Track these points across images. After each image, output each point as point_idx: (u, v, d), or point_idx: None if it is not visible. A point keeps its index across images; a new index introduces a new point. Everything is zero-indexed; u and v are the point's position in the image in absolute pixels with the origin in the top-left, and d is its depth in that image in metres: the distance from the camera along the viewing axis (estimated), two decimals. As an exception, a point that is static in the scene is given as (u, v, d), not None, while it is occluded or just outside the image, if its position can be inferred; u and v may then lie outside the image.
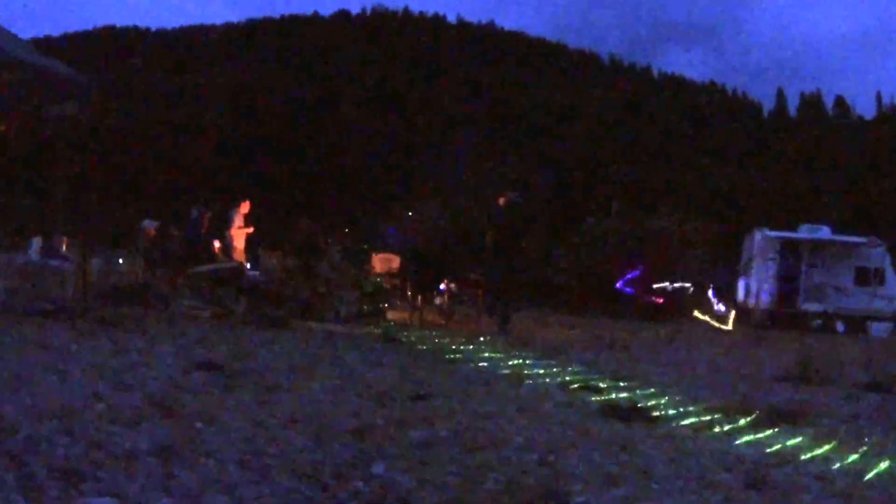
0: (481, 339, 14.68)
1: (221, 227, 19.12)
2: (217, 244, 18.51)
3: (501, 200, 17.82)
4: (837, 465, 6.47)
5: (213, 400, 6.88)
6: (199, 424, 5.99)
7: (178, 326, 12.41)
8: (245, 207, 18.94)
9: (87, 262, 14.46)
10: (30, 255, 14.24)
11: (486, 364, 11.02)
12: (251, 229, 18.93)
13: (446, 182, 43.42)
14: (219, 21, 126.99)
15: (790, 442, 7.23)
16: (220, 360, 8.95)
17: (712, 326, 26.75)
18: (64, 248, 17.62)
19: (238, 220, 18.85)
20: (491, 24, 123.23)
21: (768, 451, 6.79)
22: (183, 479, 4.74)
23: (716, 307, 29.54)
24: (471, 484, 5.16)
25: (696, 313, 28.75)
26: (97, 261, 16.10)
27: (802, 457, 6.65)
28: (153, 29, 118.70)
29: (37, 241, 14.98)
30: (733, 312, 29.35)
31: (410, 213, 33.77)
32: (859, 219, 43.87)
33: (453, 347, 12.63)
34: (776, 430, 7.73)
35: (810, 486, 5.77)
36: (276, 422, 6.31)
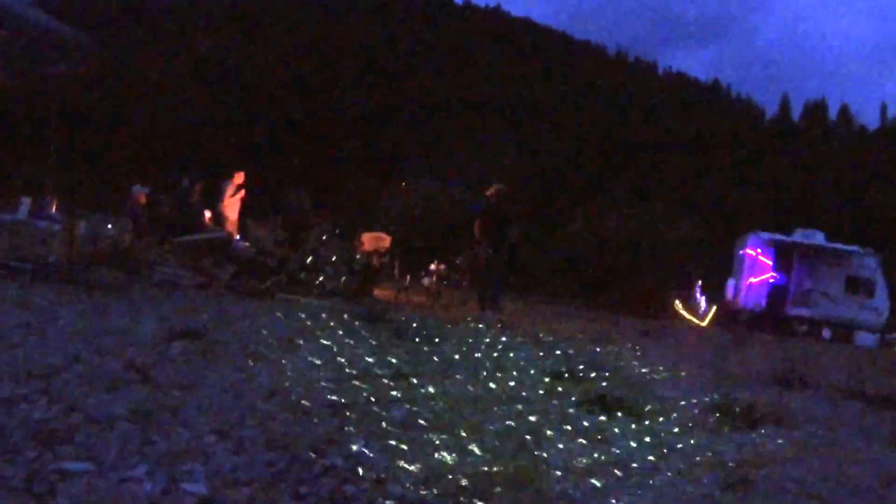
0: (467, 322, 14.64)
1: (213, 198, 19.05)
2: (208, 214, 18.43)
3: (491, 192, 17.87)
4: (816, 469, 6.45)
5: (193, 368, 6.83)
6: (177, 392, 5.95)
7: (160, 293, 12.35)
8: (239, 178, 18.85)
9: (74, 224, 14.39)
10: (18, 214, 14.14)
11: (469, 347, 10.98)
12: (242, 193, 18.81)
13: (440, 165, 43.40)
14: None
15: (771, 444, 7.21)
16: (201, 328, 8.88)
17: (692, 322, 26.79)
18: (53, 209, 17.53)
19: (230, 191, 18.76)
20: (497, 9, 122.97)
21: (749, 452, 6.77)
22: (159, 446, 4.70)
23: (699, 304, 29.60)
24: (447, 467, 5.12)
25: (679, 307, 28.80)
26: (85, 224, 16.01)
27: (782, 459, 6.62)
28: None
29: (26, 201, 14.88)
30: (713, 310, 29.41)
31: (404, 186, 33.73)
32: (855, 228, 43.96)
33: (438, 329, 12.58)
34: (758, 431, 7.71)
35: (789, 488, 5.75)
36: (255, 393, 6.26)
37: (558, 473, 5.31)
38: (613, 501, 4.92)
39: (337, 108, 59.70)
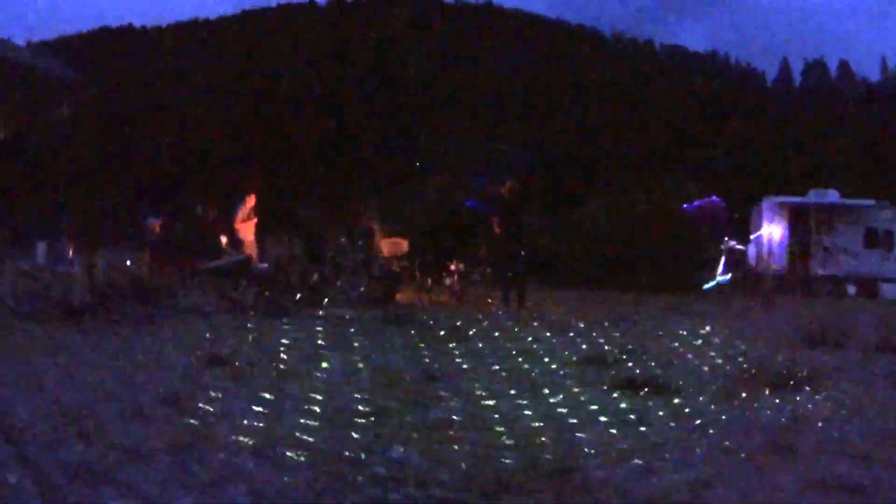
0: (492, 317, 14.64)
1: (227, 222, 19.11)
2: (224, 239, 18.48)
3: (505, 188, 17.95)
4: (856, 426, 6.43)
5: (226, 393, 6.86)
6: (212, 419, 5.97)
7: (186, 322, 12.38)
8: (251, 201, 18.92)
9: (93, 263, 14.45)
10: (36, 259, 14.23)
11: (497, 342, 10.99)
12: (256, 219, 18.87)
13: (449, 163, 43.34)
14: (212, 15, 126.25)
15: (807, 406, 7.19)
16: (229, 352, 8.93)
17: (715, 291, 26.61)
18: (70, 251, 17.62)
19: (243, 213, 18.83)
20: (489, 4, 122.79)
21: (786, 415, 6.75)
22: (201, 476, 4.72)
23: (720, 273, 29.44)
24: (487, 463, 5.14)
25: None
26: (103, 261, 16.07)
27: (820, 420, 6.60)
28: (148, 27, 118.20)
29: (42, 245, 14.99)
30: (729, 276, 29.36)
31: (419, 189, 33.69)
32: (869, 182, 43.65)
33: (464, 327, 12.59)
34: (793, 394, 7.68)
35: (830, 448, 5.73)
36: (290, 410, 6.29)
37: (598, 459, 5.32)
38: (655, 481, 4.91)
39: (341, 116, 59.81)
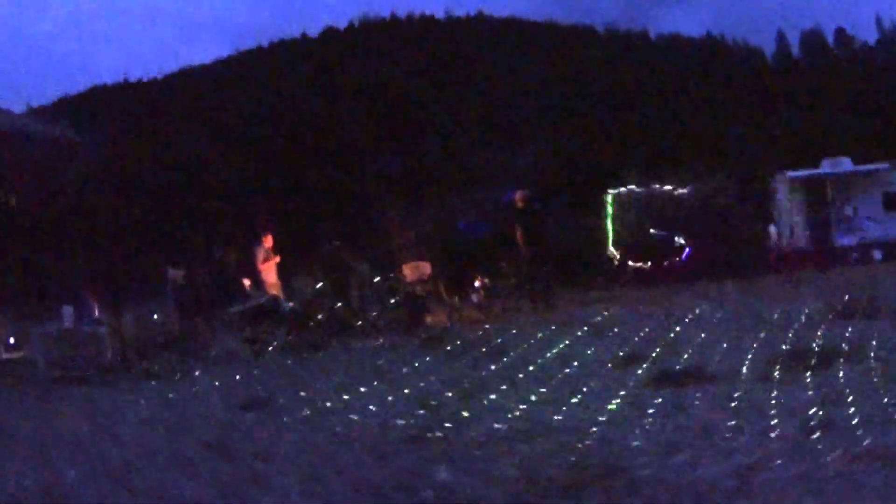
0: (522, 327, 14.62)
1: (248, 264, 19.15)
2: (247, 281, 18.52)
3: (519, 201, 18.18)
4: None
5: (267, 434, 6.89)
6: (257, 462, 6.00)
7: (220, 368, 12.43)
8: (268, 241, 18.95)
9: (120, 321, 14.51)
10: (63, 322, 14.30)
11: (530, 352, 10.98)
12: (278, 258, 18.90)
13: (460, 178, 43.37)
14: (207, 59, 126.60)
15: (847, 380, 7.16)
16: (266, 393, 8.96)
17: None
18: (96, 311, 17.69)
19: (263, 254, 18.85)
20: (480, 15, 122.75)
21: (826, 392, 6.72)
22: (251, 520, 4.75)
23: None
24: (534, 474, 5.14)
25: None
26: (130, 316, 16.16)
27: (862, 393, 6.57)
28: (145, 79, 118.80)
29: (68, 309, 15.06)
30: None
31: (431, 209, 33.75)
32: (881, 144, 43.35)
33: (496, 341, 12.58)
34: (831, 369, 7.65)
35: (874, 421, 5.70)
36: (333, 444, 6.31)
37: (645, 456, 5.32)
38: (703, 472, 4.91)
39: (349, 147, 60.00)
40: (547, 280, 17.87)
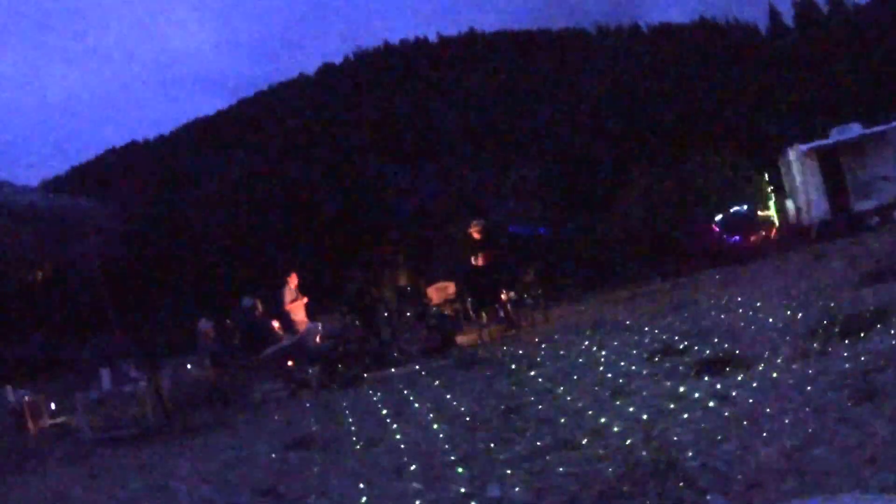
0: (553, 336, 14.64)
1: (276, 307, 19.24)
2: (276, 324, 18.58)
3: (474, 232, 18.46)
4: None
5: (317, 473, 6.93)
6: (310, 501, 6.04)
7: (260, 413, 12.51)
8: (293, 281, 19.02)
9: (158, 378, 14.62)
10: (102, 386, 14.41)
11: (565, 358, 11.00)
12: (306, 299, 18.98)
13: (473, 195, 43.49)
14: (210, 111, 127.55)
15: (884, 345, 7.14)
16: (310, 432, 9.01)
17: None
18: (133, 371, 17.81)
19: (290, 295, 18.92)
20: (472, 32, 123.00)
21: (866, 360, 6.70)
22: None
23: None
24: (586, 480, 5.16)
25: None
26: (166, 372, 16.28)
27: (901, 356, 6.56)
28: (151, 139, 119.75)
29: (106, 372, 15.18)
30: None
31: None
32: (889, 102, 43.14)
33: (529, 353, 12.60)
34: (867, 337, 7.63)
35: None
36: (382, 476, 6.34)
37: (693, 448, 5.33)
38: (752, 458, 4.91)
39: (360, 181, 60.21)
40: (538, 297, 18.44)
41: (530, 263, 20.58)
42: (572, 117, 65.77)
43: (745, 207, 30.01)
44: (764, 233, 29.29)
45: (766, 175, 32.51)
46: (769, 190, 31.68)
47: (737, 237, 28.68)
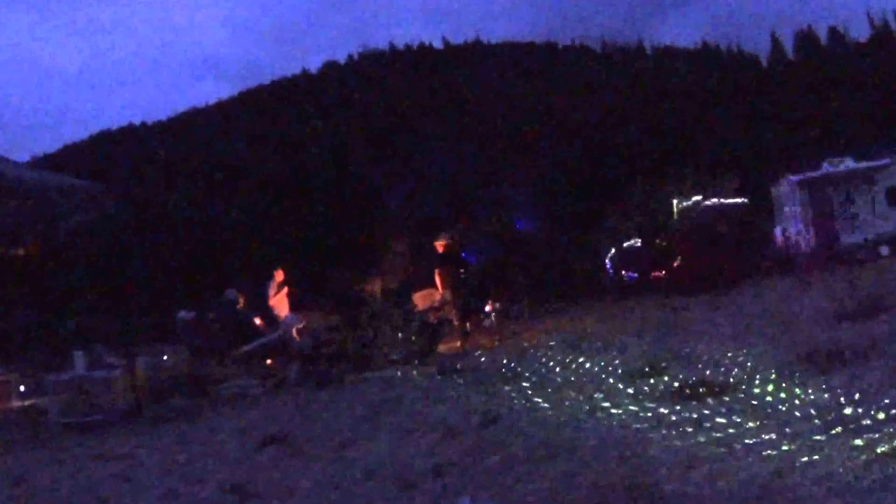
0: (536, 349, 14.60)
1: (260, 301, 19.14)
2: (258, 320, 18.47)
3: (440, 246, 18.45)
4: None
5: (287, 472, 6.86)
6: (277, 501, 5.98)
7: (235, 407, 12.41)
8: (279, 276, 18.92)
9: (132, 365, 14.51)
10: (76, 369, 14.29)
11: (545, 372, 10.96)
12: (286, 289, 18.82)
13: (471, 206, 43.49)
14: (211, 100, 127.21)
15: (863, 379, 7.14)
16: (283, 431, 8.93)
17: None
18: (108, 356, 17.69)
19: (274, 289, 18.81)
20: (477, 41, 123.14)
21: (843, 391, 6.71)
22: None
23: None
24: (557, 495, 5.11)
25: None
26: (142, 359, 16.14)
27: (878, 391, 6.55)
28: (149, 122, 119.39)
29: (79, 355, 15.07)
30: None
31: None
32: (882, 138, 43.36)
33: (511, 365, 12.56)
34: (847, 369, 7.63)
35: (891, 419, 5.69)
36: (354, 479, 6.28)
37: (668, 469, 5.29)
38: (725, 483, 4.89)
39: (355, 181, 60.14)
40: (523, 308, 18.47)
41: (516, 274, 20.54)
42: (570, 131, 65.83)
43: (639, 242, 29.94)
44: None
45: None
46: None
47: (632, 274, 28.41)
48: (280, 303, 18.62)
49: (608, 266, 28.84)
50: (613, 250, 29.28)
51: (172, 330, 20.78)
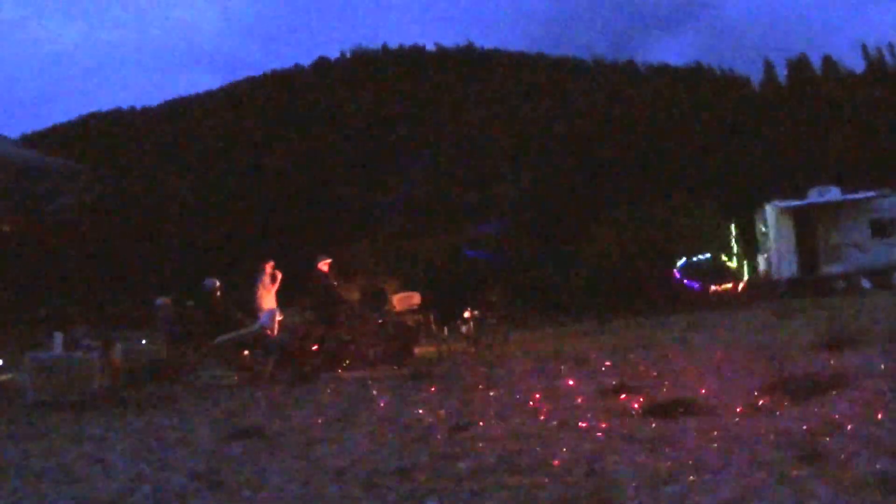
0: (511, 359, 14.67)
1: (241, 293, 19.08)
2: (239, 315, 18.38)
3: (323, 265, 18.32)
4: (887, 427, 6.43)
5: (257, 466, 6.88)
6: (246, 493, 6.00)
7: (209, 397, 12.41)
8: (269, 267, 18.82)
9: (110, 348, 14.50)
10: (53, 350, 14.26)
11: (520, 383, 11.01)
12: (277, 280, 18.71)
13: (447, 210, 43.58)
14: (200, 90, 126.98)
15: (835, 410, 7.20)
16: (256, 424, 8.96)
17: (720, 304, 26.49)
18: (87, 338, 17.64)
19: (266, 281, 18.70)
20: (469, 46, 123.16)
21: (814, 422, 6.76)
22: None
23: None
24: (524, 505, 5.16)
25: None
26: (120, 344, 16.12)
27: (849, 423, 6.61)
28: (138, 108, 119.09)
29: (59, 335, 15.03)
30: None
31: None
32: (869, 171, 43.60)
33: (484, 374, 12.61)
34: (819, 400, 7.69)
35: (861, 451, 5.74)
36: (323, 477, 6.31)
37: (635, 488, 5.34)
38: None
39: (342, 180, 60.14)
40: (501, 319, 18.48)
41: (495, 285, 20.60)
42: (557, 144, 65.92)
43: (708, 256, 30.16)
44: (727, 284, 29.37)
45: (736, 227, 32.69)
46: (733, 242, 31.84)
47: (696, 284, 28.74)
48: (267, 297, 18.53)
49: (677, 275, 29.09)
50: (683, 260, 29.53)
51: (151, 316, 20.73)
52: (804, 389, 8.11)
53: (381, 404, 10.01)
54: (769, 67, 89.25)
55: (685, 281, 28.72)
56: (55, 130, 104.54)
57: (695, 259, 29.88)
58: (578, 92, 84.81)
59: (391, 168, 62.10)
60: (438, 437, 7.60)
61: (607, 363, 12.34)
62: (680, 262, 29.59)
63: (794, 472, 5.36)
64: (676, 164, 57.24)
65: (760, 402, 7.84)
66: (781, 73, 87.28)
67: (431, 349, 17.79)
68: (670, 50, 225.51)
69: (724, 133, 64.49)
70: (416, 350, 17.62)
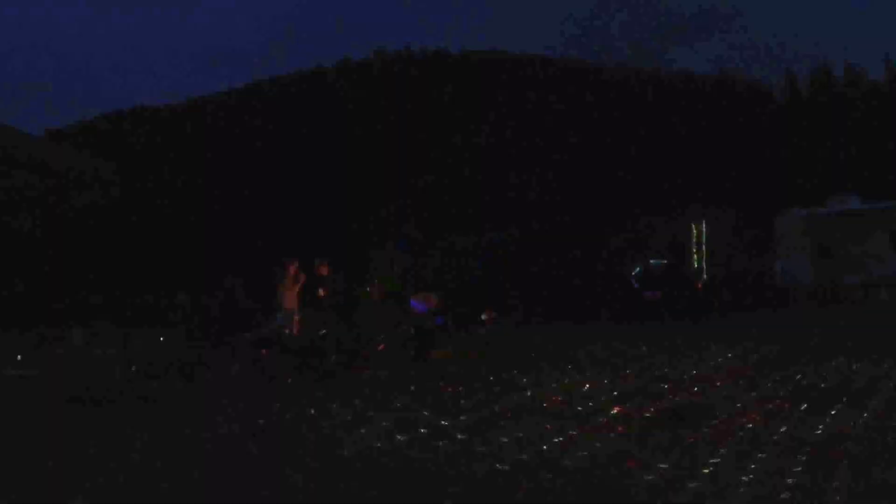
0: (530, 361, 14.68)
1: (262, 291, 19.14)
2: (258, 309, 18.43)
3: (322, 269, 18.43)
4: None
5: (274, 462, 6.94)
6: (264, 491, 6.06)
7: (226, 395, 12.47)
8: (293, 269, 18.84)
9: (129, 344, 14.61)
10: (73, 344, 14.41)
11: (537, 386, 11.03)
12: (301, 281, 18.75)
13: (467, 213, 43.63)
14: (223, 88, 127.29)
15: (849, 418, 7.23)
16: (273, 422, 9.01)
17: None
18: (107, 333, 17.79)
19: (290, 282, 18.70)
20: (495, 51, 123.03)
21: (828, 430, 6.79)
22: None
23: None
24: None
25: None
26: (138, 340, 16.25)
27: (863, 431, 6.64)
28: (161, 105, 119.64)
29: (78, 330, 15.19)
30: None
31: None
32: (889, 182, 43.43)
33: (501, 376, 12.63)
34: (833, 408, 7.72)
35: (878, 456, 5.78)
36: (341, 473, 6.36)
37: (651, 493, 5.38)
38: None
39: (363, 182, 60.26)
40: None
41: (514, 286, 20.64)
42: (578, 150, 65.85)
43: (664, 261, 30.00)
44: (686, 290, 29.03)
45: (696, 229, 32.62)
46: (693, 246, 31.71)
47: (655, 293, 28.31)
48: (290, 296, 18.57)
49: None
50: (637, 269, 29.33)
51: (172, 313, 20.85)
52: (818, 399, 8.14)
53: (397, 405, 10.06)
54: (791, 77, 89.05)
55: (644, 292, 28.22)
56: (79, 126, 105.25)
57: (651, 262, 29.70)
58: (603, 99, 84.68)
59: (411, 169, 62.09)
60: (454, 439, 7.64)
61: (625, 367, 12.36)
62: (635, 271, 29.38)
63: (811, 479, 5.40)
64: (699, 170, 57.10)
65: (775, 411, 7.86)
66: (804, 82, 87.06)
67: (449, 351, 17.82)
68: (697, 57, 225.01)
69: (745, 141, 64.30)
70: (434, 352, 17.66)
